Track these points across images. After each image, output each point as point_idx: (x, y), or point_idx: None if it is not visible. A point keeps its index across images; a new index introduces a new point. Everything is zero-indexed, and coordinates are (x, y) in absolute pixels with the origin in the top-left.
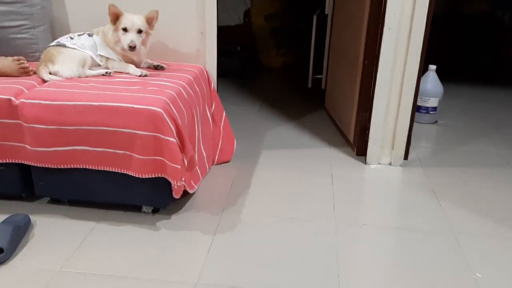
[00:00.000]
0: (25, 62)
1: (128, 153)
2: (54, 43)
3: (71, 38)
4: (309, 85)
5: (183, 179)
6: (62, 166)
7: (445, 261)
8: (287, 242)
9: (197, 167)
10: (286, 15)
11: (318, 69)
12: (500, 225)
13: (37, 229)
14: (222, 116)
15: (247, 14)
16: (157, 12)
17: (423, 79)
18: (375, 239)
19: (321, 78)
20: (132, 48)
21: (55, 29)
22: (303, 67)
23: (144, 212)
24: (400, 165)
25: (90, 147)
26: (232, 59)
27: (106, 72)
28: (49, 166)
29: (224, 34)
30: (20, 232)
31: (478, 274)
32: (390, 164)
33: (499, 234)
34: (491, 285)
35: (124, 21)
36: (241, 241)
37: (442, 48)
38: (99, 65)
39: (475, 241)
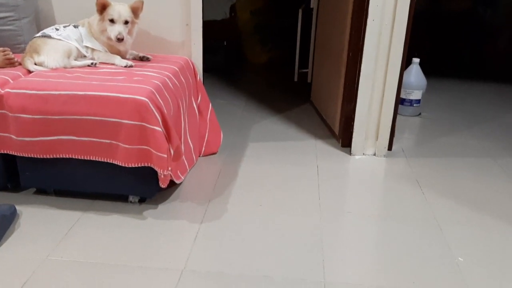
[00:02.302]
0: (10, 53)
1: (114, 142)
2: (39, 34)
3: (57, 29)
4: (295, 79)
5: (169, 168)
6: (47, 156)
7: (428, 247)
8: (273, 230)
9: (183, 158)
10: (272, 10)
11: (304, 63)
12: (480, 213)
13: (23, 219)
14: (208, 108)
15: (233, 8)
16: (142, 2)
17: (406, 72)
18: (359, 227)
19: (307, 72)
20: (119, 40)
21: (41, 20)
22: (289, 62)
23: (131, 202)
24: (384, 156)
25: (76, 136)
26: (217, 54)
27: (92, 63)
28: (35, 156)
29: (210, 29)
30: (5, 221)
31: (460, 259)
32: (374, 154)
33: (479, 222)
34: (472, 269)
35: (111, 12)
36: (227, 230)
37: (425, 43)
38: (85, 56)
39: (457, 228)
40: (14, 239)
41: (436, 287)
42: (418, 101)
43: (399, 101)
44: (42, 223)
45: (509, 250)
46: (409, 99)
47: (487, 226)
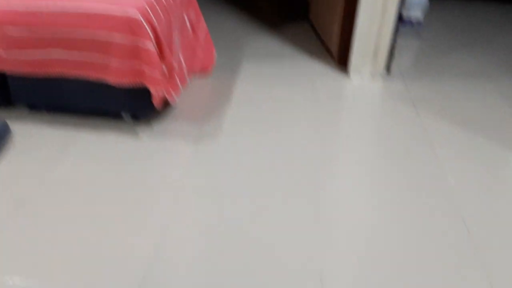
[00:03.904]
0: None
1: (105, 59)
2: None
3: None
4: None
5: (163, 87)
6: (38, 71)
7: (420, 166)
8: (269, 149)
9: (176, 77)
10: None
11: None
12: (474, 134)
13: (16, 138)
14: (201, 25)
15: None
16: None
17: None
18: (353, 147)
19: None
20: None
21: None
22: None
23: (124, 120)
24: (382, 77)
25: (66, 49)
26: None
27: None
28: (25, 72)
29: None
30: None
31: (451, 180)
32: (371, 75)
33: (472, 142)
34: (463, 188)
35: None
36: (223, 149)
37: None
38: None
39: (450, 149)
40: (9, 157)
41: (427, 208)
42: (419, 22)
43: (399, 18)
44: (36, 142)
45: (501, 171)
46: (409, 20)
47: (479, 147)
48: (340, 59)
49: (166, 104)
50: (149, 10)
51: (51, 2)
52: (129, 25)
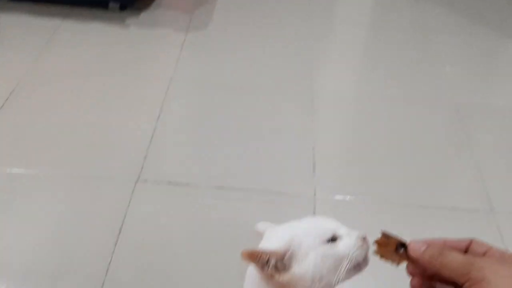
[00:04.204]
0: None
1: None
2: None
3: None
4: None
5: None
6: None
7: (415, 54)
8: (260, 39)
9: None
10: None
11: None
12: (472, 23)
13: (1, 27)
14: None
15: None
16: None
17: None
18: (348, 32)
19: None
20: None
21: None
22: None
23: (111, 8)
24: None
25: None
26: None
27: None
28: None
29: None
30: None
31: (448, 68)
32: None
33: (470, 31)
34: (457, 77)
35: None
36: (214, 39)
37: None
38: None
39: (447, 37)
40: None
41: (421, 93)
42: None
43: None
44: (21, 32)
45: (497, 58)
46: None
47: (476, 35)
48: None
49: None
50: None
51: None
52: None
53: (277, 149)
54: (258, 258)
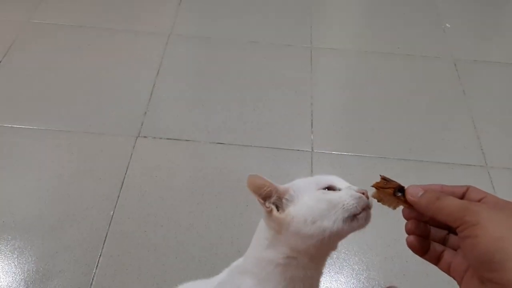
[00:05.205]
0: None
1: None
2: None
3: None
4: None
5: None
6: None
7: (416, 12)
8: None
9: None
10: None
11: None
12: None
13: None
14: None
15: None
16: None
17: None
18: None
19: None
20: None
21: None
22: None
23: None
24: None
25: None
26: None
27: None
28: None
29: None
30: None
31: (447, 25)
32: None
33: None
34: (456, 34)
35: None
36: None
37: None
38: None
39: None
40: None
41: (420, 50)
42: None
43: None
44: None
45: (496, 15)
46: None
47: None
48: None
49: None
50: None
51: None
52: None
53: (275, 104)
54: (262, 188)
